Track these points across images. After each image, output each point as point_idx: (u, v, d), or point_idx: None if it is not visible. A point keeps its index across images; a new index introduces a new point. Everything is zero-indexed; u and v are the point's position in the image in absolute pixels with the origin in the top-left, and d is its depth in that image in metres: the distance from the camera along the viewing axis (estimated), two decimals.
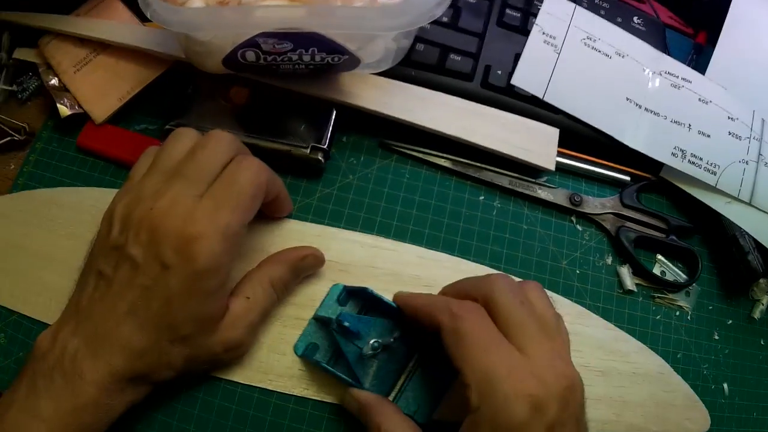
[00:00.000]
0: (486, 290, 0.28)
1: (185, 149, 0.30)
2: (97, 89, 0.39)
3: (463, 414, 0.27)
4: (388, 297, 0.34)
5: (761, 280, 0.45)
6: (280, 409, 0.34)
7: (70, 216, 0.37)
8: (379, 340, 0.31)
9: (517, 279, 0.32)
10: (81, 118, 0.39)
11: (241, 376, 0.35)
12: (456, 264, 0.38)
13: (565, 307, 0.39)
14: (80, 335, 0.28)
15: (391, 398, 0.33)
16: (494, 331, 0.27)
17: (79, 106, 0.38)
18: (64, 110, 0.38)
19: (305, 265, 0.35)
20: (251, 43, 0.32)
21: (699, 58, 0.50)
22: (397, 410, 0.31)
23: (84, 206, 0.37)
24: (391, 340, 0.32)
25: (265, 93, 0.39)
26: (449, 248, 0.39)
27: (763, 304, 0.46)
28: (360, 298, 0.35)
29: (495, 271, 0.38)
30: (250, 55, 0.34)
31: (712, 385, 0.43)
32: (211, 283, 0.28)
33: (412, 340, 0.33)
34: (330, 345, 0.35)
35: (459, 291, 0.31)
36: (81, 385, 0.27)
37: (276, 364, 0.35)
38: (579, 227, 0.42)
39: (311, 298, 0.36)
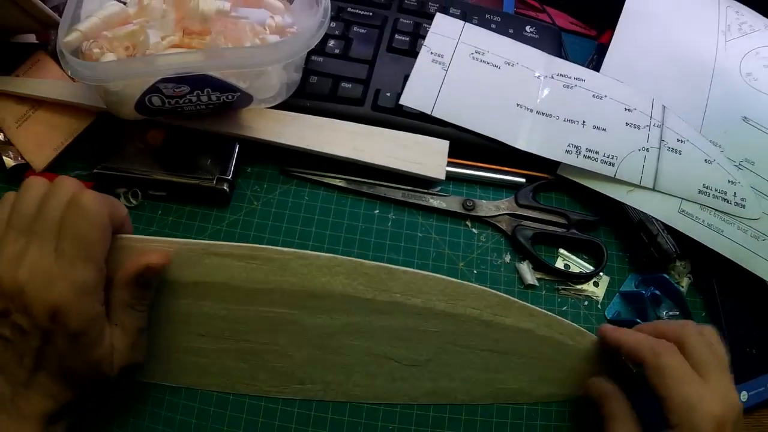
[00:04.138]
0: (679, 333, 0.35)
1: (35, 200, 0.31)
2: (37, 141, 0.44)
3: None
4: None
5: (677, 263, 0.45)
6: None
7: None
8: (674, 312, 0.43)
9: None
10: (24, 168, 0.43)
11: None
12: None
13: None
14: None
15: None
16: (687, 366, 0.33)
17: (22, 157, 0.43)
18: (9, 162, 0.43)
19: (150, 276, 0.33)
20: (154, 89, 0.37)
21: (601, 57, 0.51)
22: (630, 406, 0.36)
23: None
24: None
25: (177, 134, 0.43)
26: None
27: (683, 287, 0.47)
28: (652, 285, 0.44)
29: None
30: (156, 100, 0.38)
31: None
32: (91, 335, 0.30)
33: None
34: (627, 315, 0.44)
35: (654, 330, 0.37)
36: (21, 422, 0.29)
37: None
38: (474, 230, 0.44)
39: None
